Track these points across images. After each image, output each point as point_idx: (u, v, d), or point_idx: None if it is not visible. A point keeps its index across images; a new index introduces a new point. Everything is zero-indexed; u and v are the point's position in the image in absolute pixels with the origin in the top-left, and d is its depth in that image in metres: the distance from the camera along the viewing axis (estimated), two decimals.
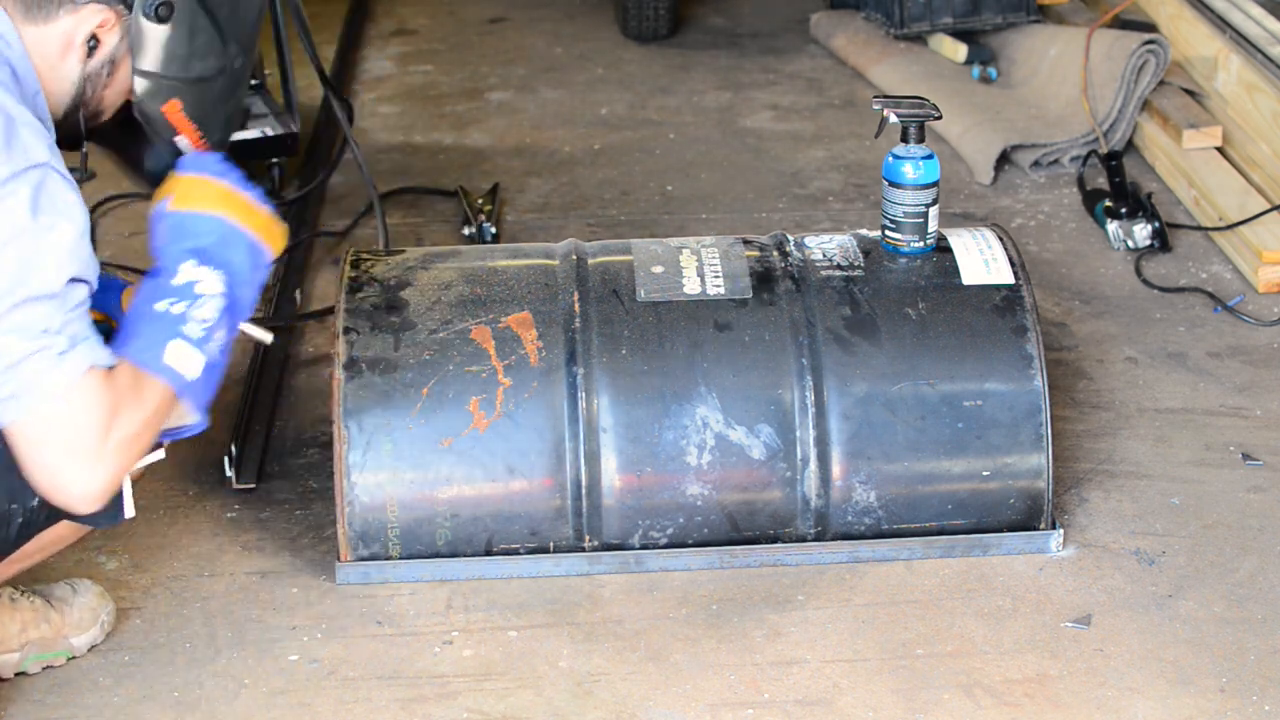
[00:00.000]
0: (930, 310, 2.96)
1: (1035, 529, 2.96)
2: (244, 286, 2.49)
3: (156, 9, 2.46)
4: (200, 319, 2.42)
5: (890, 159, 3.02)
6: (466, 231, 4.11)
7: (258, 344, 3.46)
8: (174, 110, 2.56)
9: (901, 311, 2.95)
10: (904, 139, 3.02)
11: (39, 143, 2.30)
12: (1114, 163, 4.27)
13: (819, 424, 2.89)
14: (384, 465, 2.85)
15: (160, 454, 2.53)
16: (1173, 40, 4.54)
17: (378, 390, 2.87)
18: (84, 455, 2.28)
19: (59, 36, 2.44)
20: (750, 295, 2.97)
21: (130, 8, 2.46)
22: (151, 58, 2.50)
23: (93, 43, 2.46)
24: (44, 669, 2.70)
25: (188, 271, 2.43)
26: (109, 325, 2.57)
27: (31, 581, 2.76)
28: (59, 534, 2.65)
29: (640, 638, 2.78)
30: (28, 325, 2.23)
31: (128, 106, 2.56)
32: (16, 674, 2.69)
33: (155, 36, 2.49)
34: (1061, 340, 3.64)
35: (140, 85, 2.52)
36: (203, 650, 2.75)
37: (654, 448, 2.87)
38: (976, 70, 4.86)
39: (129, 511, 2.51)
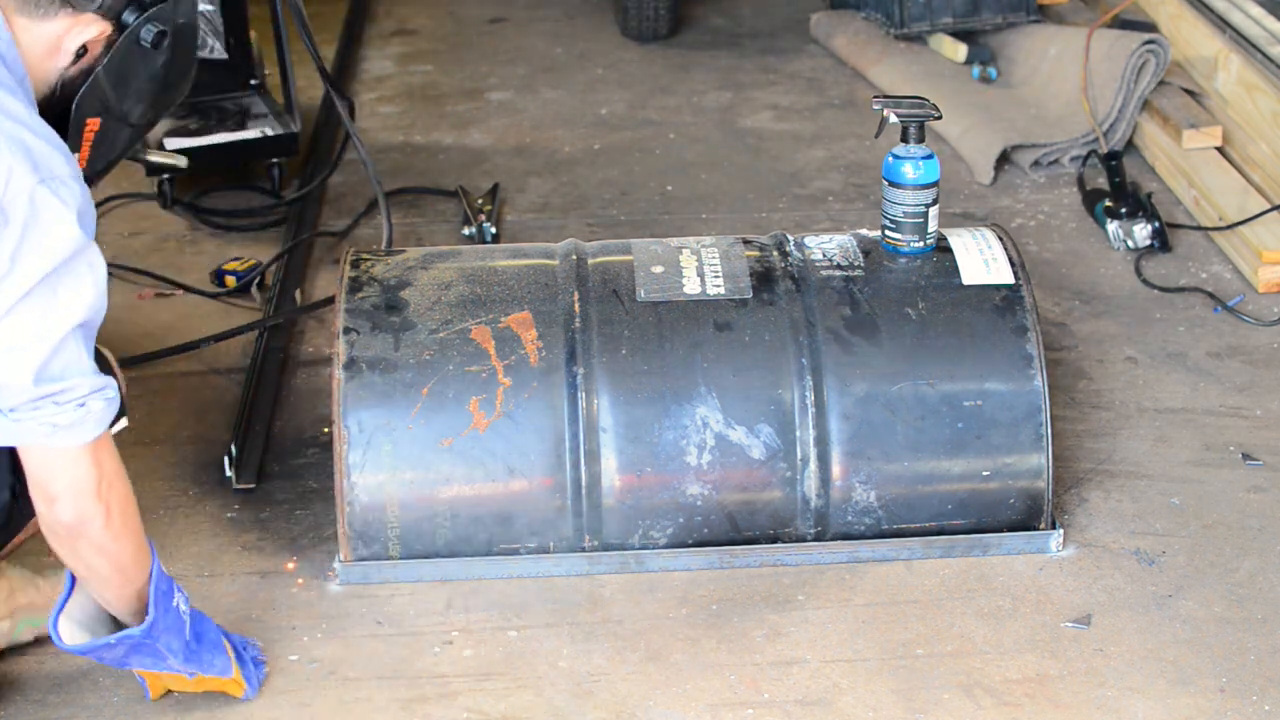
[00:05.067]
0: (930, 310, 2.96)
1: (1035, 529, 2.96)
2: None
3: (155, 36, 2.45)
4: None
5: (890, 159, 3.02)
6: (466, 231, 4.11)
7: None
8: (91, 126, 2.51)
9: (901, 311, 2.95)
10: (904, 139, 3.02)
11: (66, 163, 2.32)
12: (1114, 163, 4.27)
13: (819, 424, 2.89)
14: (384, 465, 2.85)
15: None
16: (1173, 40, 4.54)
17: (378, 390, 2.87)
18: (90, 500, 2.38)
19: (51, 37, 2.41)
20: (750, 295, 2.97)
21: (122, 28, 2.43)
22: (112, 75, 2.47)
23: (81, 51, 2.44)
24: (36, 638, 2.69)
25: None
26: None
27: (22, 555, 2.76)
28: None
29: (640, 638, 2.78)
30: (84, 346, 2.32)
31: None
32: (10, 646, 2.68)
33: (129, 60, 2.47)
34: (1061, 340, 3.64)
35: (86, 91, 2.47)
36: None
37: (654, 448, 2.87)
38: (976, 70, 4.86)
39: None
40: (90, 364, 2.34)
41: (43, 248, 2.27)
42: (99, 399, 2.34)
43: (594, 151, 4.65)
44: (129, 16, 2.42)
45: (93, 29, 2.41)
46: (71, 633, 2.48)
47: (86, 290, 2.31)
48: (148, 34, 2.44)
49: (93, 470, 2.35)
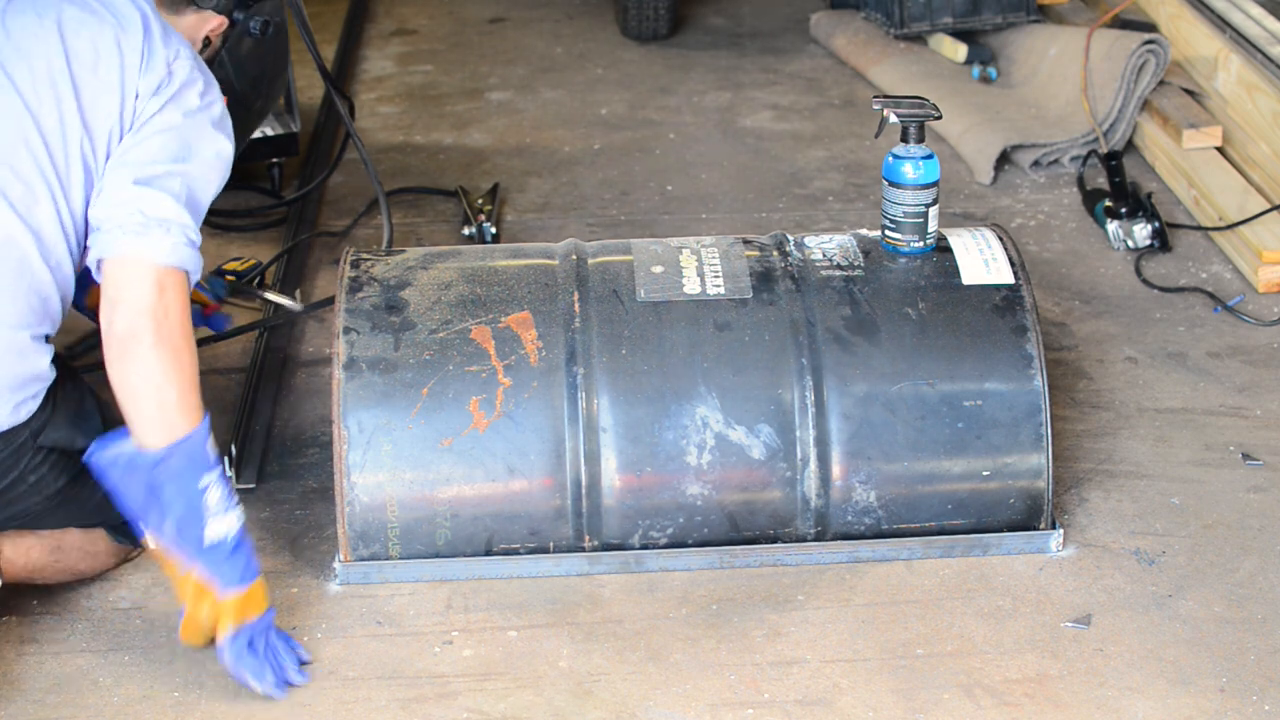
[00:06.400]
0: (930, 310, 2.96)
1: (1035, 529, 2.96)
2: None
3: (261, 26, 2.97)
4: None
5: (890, 159, 3.02)
6: (466, 231, 4.11)
7: (286, 314, 3.66)
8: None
9: (901, 311, 2.95)
10: (904, 139, 3.02)
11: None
12: (1114, 163, 4.27)
13: (819, 424, 2.89)
14: (384, 465, 2.85)
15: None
16: (1173, 40, 4.54)
17: (378, 390, 2.87)
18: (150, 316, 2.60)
19: (184, 30, 2.84)
20: (750, 295, 2.97)
21: (234, 23, 2.93)
22: (232, 60, 2.91)
23: (205, 42, 2.90)
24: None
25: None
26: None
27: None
28: (93, 565, 2.85)
29: (640, 638, 2.78)
30: (186, 195, 2.64)
31: None
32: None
33: (243, 47, 2.93)
34: (1061, 340, 3.64)
35: (215, 73, 2.84)
36: (203, 650, 2.75)
37: (654, 448, 2.87)
38: (976, 70, 4.86)
39: (151, 544, 2.71)
40: (183, 209, 2.61)
41: (188, 105, 2.67)
42: (181, 233, 2.60)
43: (594, 151, 4.65)
44: (238, 14, 2.91)
45: (212, 23, 2.88)
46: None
47: (210, 154, 2.68)
48: (255, 24, 2.96)
49: (154, 292, 2.57)
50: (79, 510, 2.79)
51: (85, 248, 2.66)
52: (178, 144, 2.65)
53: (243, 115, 2.96)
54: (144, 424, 2.56)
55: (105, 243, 2.59)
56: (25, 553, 2.77)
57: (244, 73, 2.98)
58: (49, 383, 2.65)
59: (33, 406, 2.62)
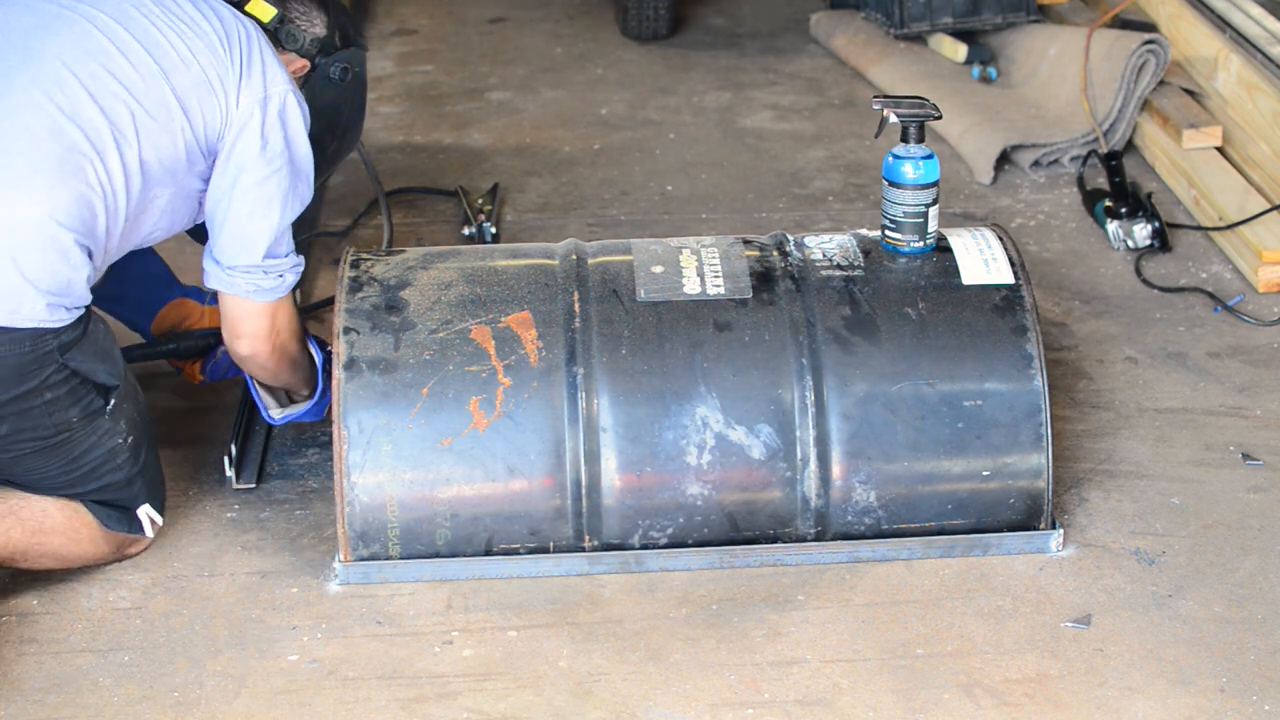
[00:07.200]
0: (930, 310, 2.96)
1: (1035, 529, 2.96)
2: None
3: (340, 72, 3.08)
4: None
5: (890, 159, 3.02)
6: (466, 231, 4.11)
7: None
8: None
9: (901, 311, 2.95)
10: (904, 139, 3.02)
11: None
12: (1114, 163, 4.27)
13: (819, 424, 2.89)
14: (384, 465, 2.85)
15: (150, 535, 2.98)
16: (1173, 40, 4.54)
17: (378, 390, 2.87)
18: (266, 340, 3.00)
19: None
20: (750, 295, 2.97)
21: (315, 67, 3.06)
22: (310, 100, 3.00)
23: None
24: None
25: None
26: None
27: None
28: (77, 552, 2.84)
29: (640, 638, 2.78)
30: (288, 244, 2.95)
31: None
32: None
33: (322, 90, 3.07)
34: (1061, 340, 3.64)
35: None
36: (203, 650, 2.75)
37: (654, 448, 2.87)
38: (976, 70, 4.86)
39: (149, 533, 2.95)
40: (294, 253, 2.96)
41: (290, 131, 2.87)
42: (292, 273, 2.95)
43: (594, 151, 4.65)
44: (320, 59, 3.06)
45: (295, 65, 3.03)
46: (273, 412, 3.16)
47: (308, 189, 2.94)
48: (336, 70, 3.07)
49: (269, 322, 2.96)
50: (71, 461, 2.81)
51: (145, 194, 2.81)
52: (292, 179, 2.89)
53: (316, 156, 3.02)
54: (275, 386, 3.14)
55: (227, 285, 2.92)
56: (5, 533, 2.77)
57: (320, 116, 3.06)
58: (84, 305, 2.75)
59: (65, 318, 2.71)
